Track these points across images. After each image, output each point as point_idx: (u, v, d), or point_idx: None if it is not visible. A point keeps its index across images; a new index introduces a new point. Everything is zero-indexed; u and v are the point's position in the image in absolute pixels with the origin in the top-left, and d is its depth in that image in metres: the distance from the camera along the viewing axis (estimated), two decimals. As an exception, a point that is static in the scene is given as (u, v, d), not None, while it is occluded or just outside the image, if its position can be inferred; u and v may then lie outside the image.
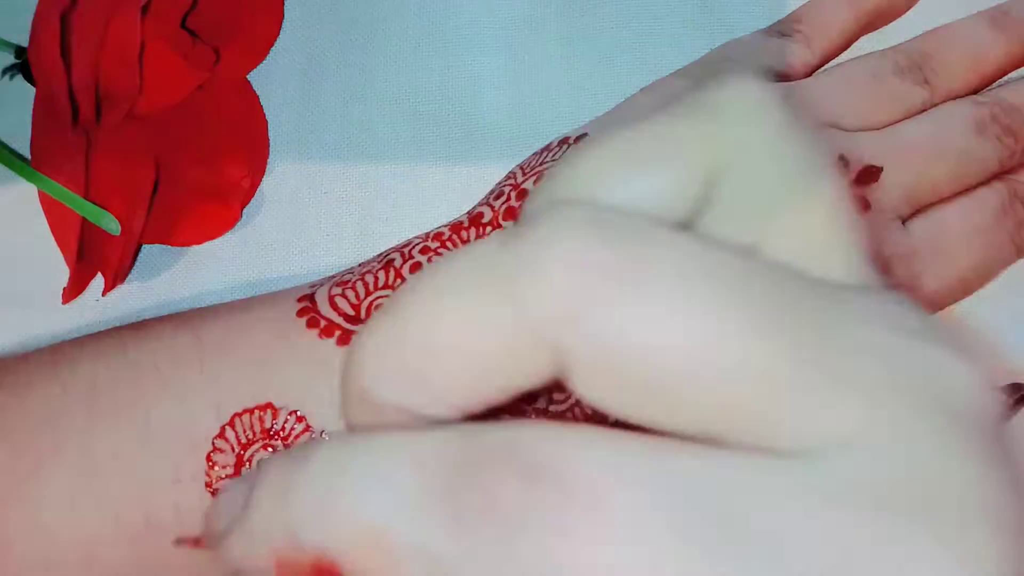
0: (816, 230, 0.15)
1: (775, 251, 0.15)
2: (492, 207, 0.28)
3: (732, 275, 0.13)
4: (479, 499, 0.13)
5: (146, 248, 0.33)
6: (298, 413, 0.25)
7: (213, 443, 0.25)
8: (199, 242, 0.32)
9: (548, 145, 0.30)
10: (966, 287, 0.30)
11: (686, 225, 0.15)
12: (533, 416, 0.21)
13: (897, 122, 0.30)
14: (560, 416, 0.22)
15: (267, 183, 0.33)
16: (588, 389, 0.14)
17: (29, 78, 0.31)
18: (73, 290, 0.31)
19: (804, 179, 0.15)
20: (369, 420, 0.15)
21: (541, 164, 0.29)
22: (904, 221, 0.29)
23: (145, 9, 0.30)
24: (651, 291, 0.13)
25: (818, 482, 0.12)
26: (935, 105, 0.30)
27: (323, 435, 0.25)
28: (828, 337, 0.13)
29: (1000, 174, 0.30)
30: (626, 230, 0.13)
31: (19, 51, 0.32)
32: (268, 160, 0.33)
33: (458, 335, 0.14)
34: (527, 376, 0.14)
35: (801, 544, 0.12)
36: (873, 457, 0.13)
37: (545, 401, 0.20)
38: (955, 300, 0.30)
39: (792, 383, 0.13)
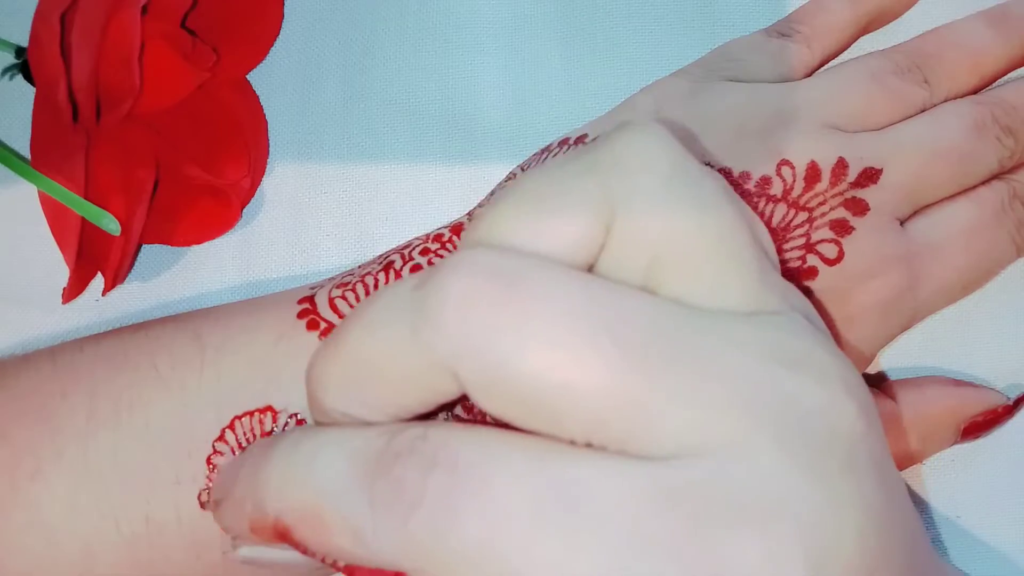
0: (703, 264, 0.17)
1: (669, 287, 0.17)
2: None
3: (605, 311, 0.16)
4: (389, 483, 0.16)
5: (146, 248, 0.33)
6: (298, 416, 0.25)
7: (213, 445, 0.25)
8: (199, 242, 0.32)
9: (548, 146, 0.30)
10: (966, 287, 0.30)
11: (588, 268, 0.18)
12: (449, 419, 0.23)
13: (897, 122, 0.30)
14: (472, 419, 0.23)
15: (267, 183, 0.33)
16: (485, 406, 0.16)
17: (29, 78, 0.31)
18: (73, 290, 0.31)
19: (690, 219, 0.17)
20: (323, 420, 0.18)
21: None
22: (903, 222, 0.29)
23: (145, 9, 0.30)
24: (531, 324, 0.15)
25: (662, 483, 0.15)
26: (935, 105, 0.30)
27: None
28: (693, 363, 0.16)
29: (1000, 174, 0.30)
30: (514, 272, 0.16)
31: (19, 51, 0.32)
32: (268, 160, 0.33)
33: (379, 361, 0.17)
34: (438, 394, 0.17)
35: (636, 533, 0.15)
36: (716, 468, 0.15)
37: (462, 408, 0.23)
38: (955, 300, 0.30)
39: (650, 403, 0.15)
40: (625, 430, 0.16)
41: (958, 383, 0.30)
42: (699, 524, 0.15)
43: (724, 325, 0.16)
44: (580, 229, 0.17)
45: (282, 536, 0.18)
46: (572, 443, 0.16)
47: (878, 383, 0.30)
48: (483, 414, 0.19)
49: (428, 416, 0.18)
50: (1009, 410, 0.29)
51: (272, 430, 0.25)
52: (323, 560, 0.18)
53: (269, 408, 0.25)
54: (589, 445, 0.16)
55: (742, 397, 0.16)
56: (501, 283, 0.16)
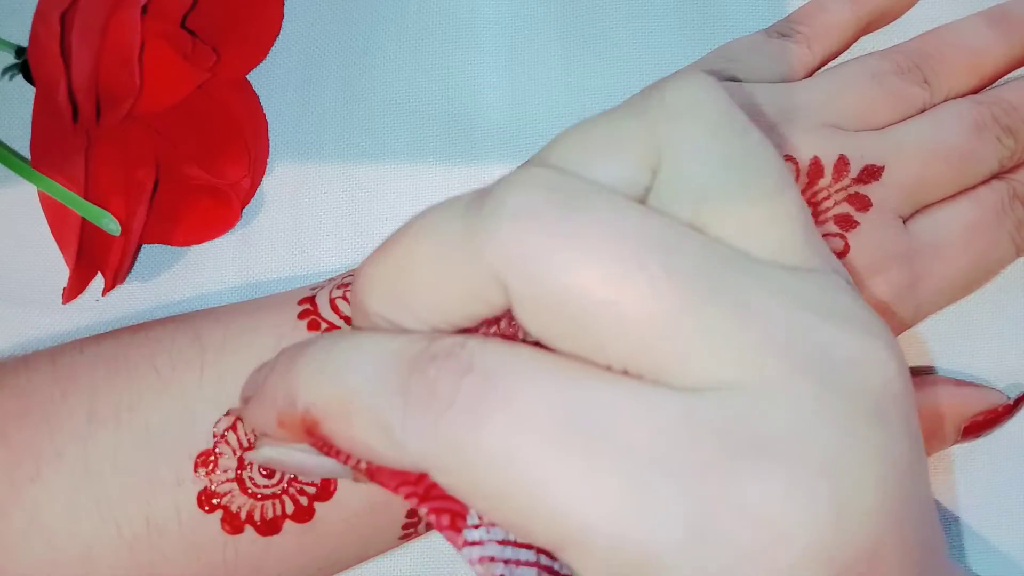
0: (749, 214, 0.17)
1: (711, 231, 0.17)
2: None
3: (657, 239, 0.16)
4: (423, 382, 0.16)
5: (146, 248, 0.33)
6: None
7: (215, 446, 0.25)
8: (199, 242, 0.32)
9: None
10: (967, 286, 0.30)
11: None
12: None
13: (897, 122, 0.30)
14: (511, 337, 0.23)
15: (267, 183, 0.33)
16: (529, 322, 0.16)
17: (29, 78, 0.31)
18: (73, 290, 0.31)
19: (737, 167, 0.17)
20: (364, 325, 0.19)
21: None
22: (905, 221, 0.29)
23: (145, 9, 0.30)
24: (578, 245, 0.16)
25: (692, 413, 0.15)
26: (935, 105, 0.30)
27: None
28: (734, 303, 0.16)
29: (1000, 174, 0.30)
30: (571, 192, 0.16)
31: (19, 51, 0.32)
32: (268, 160, 0.33)
33: (429, 266, 0.17)
34: (484, 306, 0.17)
35: (661, 459, 0.15)
36: (748, 405, 0.15)
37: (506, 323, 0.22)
38: (955, 299, 0.30)
39: (692, 336, 0.15)
40: (663, 358, 0.16)
41: (959, 383, 0.30)
42: (725, 456, 0.15)
43: (768, 272, 0.17)
44: (626, 170, 0.17)
45: (310, 430, 0.18)
46: (608, 369, 0.16)
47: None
48: (522, 339, 0.19)
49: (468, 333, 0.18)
50: (1009, 410, 0.29)
51: None
52: (345, 460, 0.18)
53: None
54: (625, 372, 0.16)
55: (781, 340, 0.16)
56: (558, 198, 0.16)
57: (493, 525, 0.17)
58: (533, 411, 0.15)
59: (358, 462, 0.18)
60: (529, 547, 0.17)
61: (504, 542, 0.17)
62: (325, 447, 0.18)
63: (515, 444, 0.15)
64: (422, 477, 0.17)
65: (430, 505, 0.17)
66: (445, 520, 0.17)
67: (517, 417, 0.15)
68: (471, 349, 0.16)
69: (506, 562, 0.17)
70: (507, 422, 0.15)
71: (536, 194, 0.16)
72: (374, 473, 0.18)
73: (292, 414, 0.18)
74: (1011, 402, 0.30)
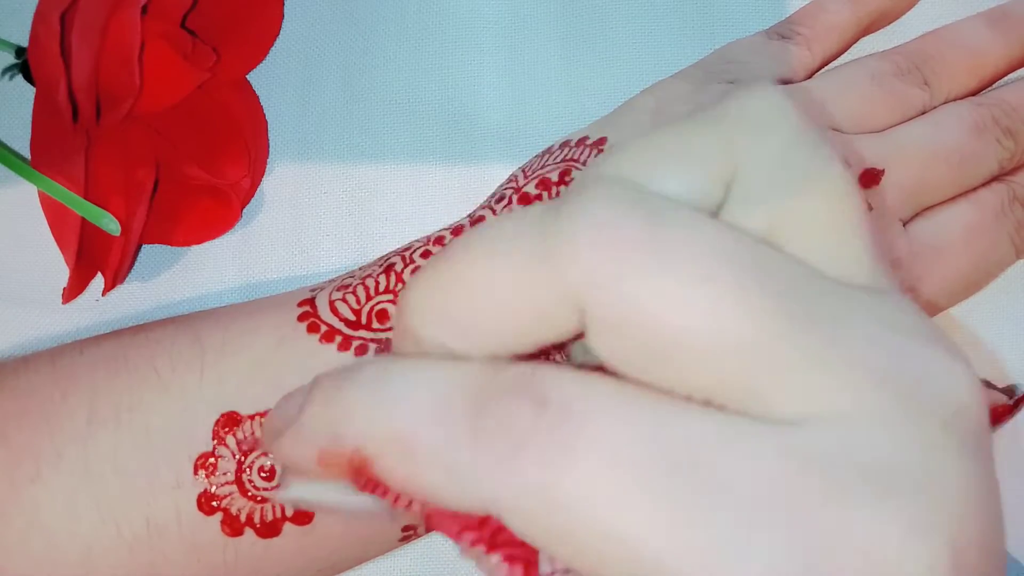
0: (825, 231, 0.16)
1: (786, 248, 0.16)
2: (493, 210, 0.28)
3: (746, 260, 0.15)
4: (495, 418, 0.15)
5: (146, 248, 0.33)
6: None
7: (214, 448, 0.25)
8: (199, 242, 0.32)
9: (549, 148, 0.30)
10: (967, 288, 0.30)
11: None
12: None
13: (897, 124, 0.30)
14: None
15: (267, 183, 0.33)
16: (604, 349, 0.15)
17: (29, 78, 0.31)
18: (73, 290, 0.31)
19: (813, 182, 0.16)
20: (411, 350, 0.17)
21: (543, 167, 0.29)
22: (905, 223, 0.29)
23: (145, 9, 0.30)
24: (668, 265, 0.14)
25: (792, 447, 0.14)
26: (935, 107, 0.30)
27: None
28: (828, 326, 0.15)
29: (1000, 176, 0.30)
30: (654, 208, 0.15)
31: (19, 51, 0.32)
32: (268, 160, 0.33)
33: (495, 288, 0.16)
34: (553, 330, 0.16)
35: (762, 498, 0.14)
36: (851, 436, 0.14)
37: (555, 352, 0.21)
38: (956, 301, 0.30)
39: (788, 362, 0.14)
40: (753, 387, 0.15)
41: None
42: (833, 492, 0.14)
43: (852, 293, 0.16)
44: (700, 183, 0.16)
45: (358, 470, 0.16)
46: (688, 399, 0.15)
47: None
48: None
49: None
50: (1009, 410, 0.29)
51: None
52: (394, 502, 0.16)
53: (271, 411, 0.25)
54: (707, 404, 0.15)
55: (875, 365, 0.15)
56: (641, 215, 0.15)
57: (567, 572, 0.16)
58: (618, 452, 0.14)
59: (410, 503, 0.16)
60: None
61: None
62: (372, 487, 0.16)
63: (600, 488, 0.14)
64: (485, 520, 0.16)
65: (503, 552, 0.15)
66: (519, 571, 0.15)
67: (601, 458, 0.14)
68: (543, 380, 0.15)
69: None
70: (592, 464, 0.14)
71: (618, 211, 0.15)
72: (431, 516, 0.16)
73: (338, 453, 0.16)
74: (1011, 402, 0.30)
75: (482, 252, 0.16)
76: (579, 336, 0.16)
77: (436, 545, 0.31)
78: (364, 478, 0.16)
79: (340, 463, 0.17)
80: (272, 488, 0.25)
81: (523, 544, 0.15)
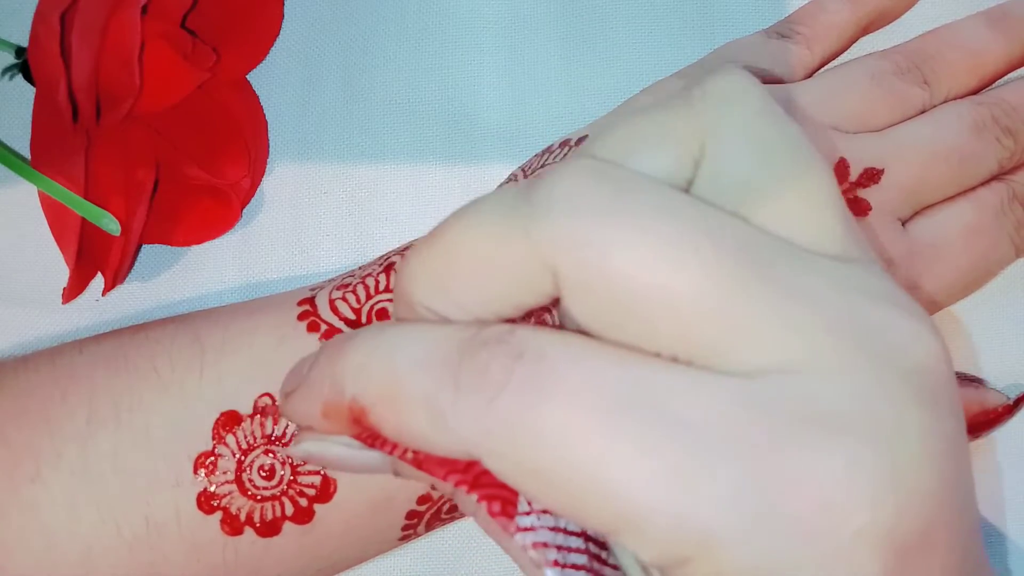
0: (794, 202, 0.17)
1: (753, 220, 0.17)
2: None
3: (707, 224, 0.16)
4: (475, 367, 0.16)
5: (146, 248, 0.33)
6: None
7: (214, 448, 0.25)
8: (199, 242, 0.32)
9: (549, 147, 0.30)
10: (966, 287, 0.30)
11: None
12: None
13: (897, 123, 0.30)
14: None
15: (267, 183, 0.33)
16: (577, 309, 0.16)
17: (29, 78, 0.31)
18: (73, 290, 0.31)
19: (780, 157, 0.17)
20: (408, 316, 0.19)
21: (542, 166, 0.29)
22: (904, 222, 0.29)
23: (145, 9, 0.30)
24: (632, 228, 0.16)
25: (748, 395, 0.15)
26: (935, 106, 0.30)
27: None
28: (785, 285, 0.16)
29: (999, 175, 0.30)
30: (620, 178, 0.16)
31: (19, 51, 0.32)
32: (268, 160, 0.33)
33: (478, 255, 0.17)
34: (531, 293, 0.17)
35: (718, 439, 0.15)
36: (805, 384, 0.15)
37: (544, 318, 0.23)
38: (955, 300, 0.30)
39: (746, 317, 0.16)
40: (713, 342, 0.16)
41: (959, 381, 0.30)
42: (783, 434, 0.15)
43: (813, 258, 0.17)
44: (670, 161, 0.17)
45: (357, 419, 0.18)
46: (657, 356, 0.16)
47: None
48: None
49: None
50: (1009, 410, 0.29)
51: (272, 433, 0.25)
52: (390, 451, 0.18)
53: (271, 409, 0.25)
54: (675, 360, 0.16)
55: (831, 321, 0.16)
56: (608, 186, 0.16)
57: (544, 512, 0.17)
58: (588, 392, 0.15)
59: (404, 452, 0.18)
60: (579, 535, 0.17)
61: (555, 529, 0.17)
62: (370, 438, 0.18)
63: (570, 426, 0.15)
64: (471, 465, 0.17)
65: (480, 492, 0.17)
66: (496, 507, 0.17)
67: (572, 399, 0.15)
68: (521, 335, 0.16)
69: (559, 548, 0.17)
70: (562, 404, 0.15)
71: (586, 182, 0.16)
72: (421, 462, 0.17)
73: (338, 403, 0.18)
74: (1011, 402, 0.30)
75: (467, 222, 0.17)
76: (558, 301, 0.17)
77: (436, 545, 0.31)
78: (362, 427, 0.18)
79: (341, 413, 0.18)
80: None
81: (503, 486, 0.17)
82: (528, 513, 0.17)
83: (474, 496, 0.17)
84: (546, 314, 0.21)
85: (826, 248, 0.17)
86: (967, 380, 0.30)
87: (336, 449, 0.20)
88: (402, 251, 0.28)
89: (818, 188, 0.17)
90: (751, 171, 0.17)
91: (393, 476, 0.20)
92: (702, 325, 0.16)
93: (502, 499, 0.17)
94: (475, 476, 0.17)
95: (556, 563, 0.17)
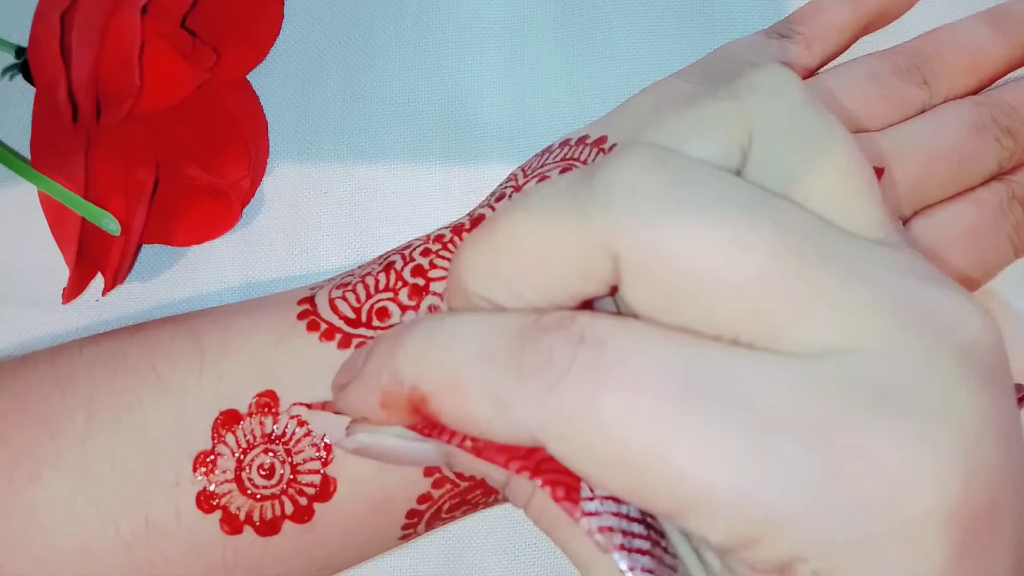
0: (838, 189, 0.17)
1: (804, 205, 0.17)
2: (493, 208, 0.28)
3: (764, 207, 0.16)
4: (537, 353, 0.16)
5: (146, 248, 0.33)
6: (300, 417, 0.25)
7: (213, 447, 0.25)
8: (199, 242, 0.32)
9: (549, 147, 0.30)
10: (966, 287, 0.30)
11: None
12: None
13: (896, 123, 0.30)
14: None
15: (267, 183, 0.33)
16: (637, 295, 0.17)
17: (29, 78, 0.31)
18: (73, 290, 0.31)
19: (824, 143, 0.17)
20: (462, 306, 0.19)
21: (543, 165, 0.29)
22: (904, 222, 0.29)
23: (145, 9, 0.30)
24: (691, 211, 0.16)
25: (812, 375, 0.15)
26: (934, 106, 0.30)
27: (324, 439, 0.25)
28: (842, 267, 0.16)
29: (999, 175, 0.30)
30: (678, 163, 0.17)
31: (19, 51, 0.32)
32: (268, 160, 0.33)
33: (536, 242, 0.17)
34: (590, 280, 0.17)
35: (783, 420, 0.15)
36: (867, 363, 0.15)
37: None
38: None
39: (805, 299, 0.16)
40: (775, 324, 0.16)
41: None
42: (850, 413, 0.15)
43: (865, 242, 0.17)
44: (720, 149, 0.18)
45: (416, 408, 0.18)
46: (717, 339, 0.16)
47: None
48: None
49: None
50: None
51: (272, 432, 0.25)
52: (448, 439, 0.18)
53: (270, 409, 0.25)
54: (735, 342, 0.16)
55: (889, 302, 0.16)
56: (669, 170, 0.16)
57: (606, 499, 0.17)
58: (651, 376, 0.16)
59: (463, 440, 0.18)
60: (640, 521, 0.18)
61: (618, 515, 0.17)
62: (428, 427, 0.18)
63: (634, 410, 0.15)
64: (532, 451, 0.17)
65: (544, 477, 0.17)
66: (560, 492, 0.17)
67: (635, 382, 0.16)
68: (582, 320, 0.16)
69: (623, 533, 0.17)
70: (625, 388, 0.15)
71: (646, 167, 0.16)
72: (481, 449, 0.17)
73: (398, 393, 0.18)
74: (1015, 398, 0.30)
75: (524, 212, 0.17)
76: (615, 291, 0.17)
77: (436, 545, 0.31)
78: (420, 416, 0.18)
79: (400, 402, 0.18)
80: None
81: (567, 471, 0.17)
82: (591, 499, 0.17)
83: (536, 482, 0.17)
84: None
85: (872, 233, 0.17)
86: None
87: (390, 440, 0.20)
88: (402, 250, 0.28)
89: (860, 176, 0.18)
90: (799, 160, 0.17)
91: (427, 471, 0.21)
92: (765, 307, 0.16)
93: (566, 485, 0.17)
94: (537, 462, 0.17)
95: (622, 547, 0.17)
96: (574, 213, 0.17)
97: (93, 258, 0.31)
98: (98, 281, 0.32)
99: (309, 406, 0.25)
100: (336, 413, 0.20)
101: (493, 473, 0.20)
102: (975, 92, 0.31)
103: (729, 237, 0.16)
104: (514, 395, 0.16)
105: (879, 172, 0.28)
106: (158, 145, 0.32)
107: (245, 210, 0.32)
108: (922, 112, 0.30)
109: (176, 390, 0.25)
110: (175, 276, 0.32)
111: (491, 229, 0.18)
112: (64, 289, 0.30)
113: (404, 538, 0.27)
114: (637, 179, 0.16)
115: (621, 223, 0.16)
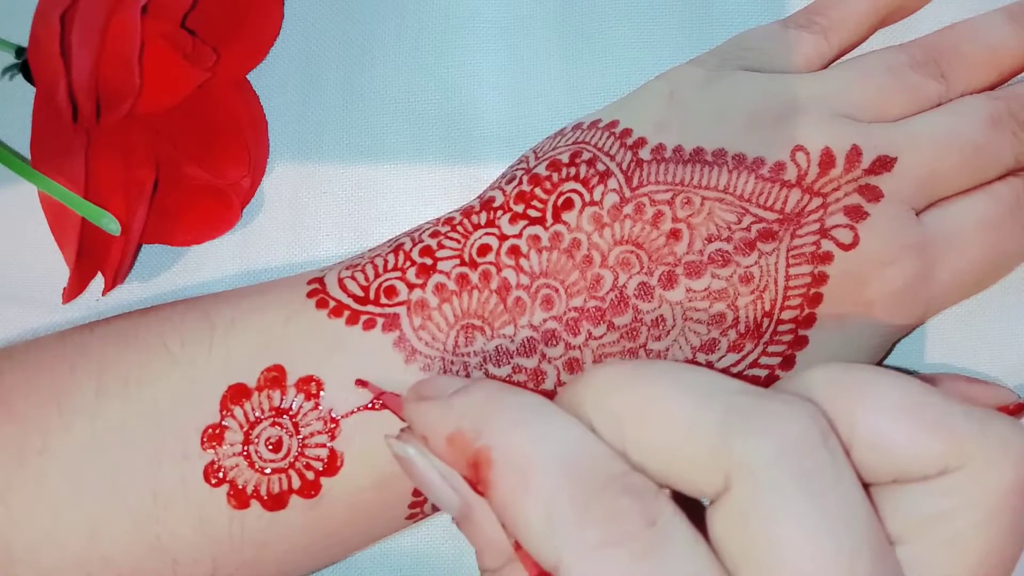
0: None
1: None
2: (504, 191, 0.29)
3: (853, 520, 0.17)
4: (607, 507, 0.17)
5: (146, 248, 0.33)
6: (308, 391, 0.26)
7: (221, 420, 0.26)
8: (199, 242, 0.33)
9: (562, 130, 0.30)
10: (979, 281, 0.30)
11: None
12: None
13: (912, 115, 0.29)
14: None
15: (267, 183, 0.33)
16: (720, 532, 0.17)
17: (29, 78, 0.32)
18: (73, 290, 0.31)
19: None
20: (560, 402, 0.19)
21: (554, 148, 0.29)
22: (919, 213, 0.28)
23: (145, 9, 0.31)
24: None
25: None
26: (951, 100, 0.30)
27: (331, 414, 0.26)
28: None
29: (1016, 170, 0.30)
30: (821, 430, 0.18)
31: (19, 51, 0.33)
32: (268, 160, 0.34)
33: (670, 428, 0.18)
34: (686, 484, 0.18)
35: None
36: None
37: None
38: (968, 294, 0.31)
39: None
40: None
41: (970, 380, 0.30)
42: None
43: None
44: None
45: (474, 465, 0.19)
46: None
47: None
48: None
49: None
50: (1021, 407, 0.29)
51: (280, 405, 0.25)
52: (473, 516, 0.19)
53: (278, 383, 0.25)
54: None
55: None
56: (817, 434, 0.17)
57: None
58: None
59: (501, 523, 0.18)
60: None
61: None
62: (475, 484, 0.19)
63: None
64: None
65: None
66: None
67: None
68: (663, 504, 0.17)
69: None
70: None
71: (803, 443, 0.17)
72: (518, 547, 0.18)
73: (468, 442, 0.19)
74: (1021, 400, 0.29)
75: (678, 400, 0.18)
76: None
77: (436, 545, 0.31)
78: (473, 476, 0.19)
79: (465, 451, 0.19)
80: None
81: None
82: None
83: None
84: None
85: None
86: (976, 380, 0.30)
87: (433, 472, 0.21)
88: (411, 233, 0.29)
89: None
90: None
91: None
92: None
93: None
94: None
95: None
96: (721, 436, 0.17)
97: (93, 258, 0.32)
98: (98, 281, 0.33)
99: (379, 391, 0.25)
100: (396, 414, 0.21)
101: (486, 555, 0.21)
102: (993, 87, 0.31)
103: (818, 534, 0.16)
104: (566, 526, 0.17)
105: (891, 161, 0.27)
106: (158, 145, 0.32)
107: (245, 210, 0.33)
108: (938, 105, 0.30)
109: (185, 364, 0.26)
110: (175, 276, 0.33)
111: (637, 379, 0.19)
112: (64, 289, 0.31)
113: (412, 516, 0.28)
114: (791, 449, 0.17)
115: (756, 481, 0.17)
